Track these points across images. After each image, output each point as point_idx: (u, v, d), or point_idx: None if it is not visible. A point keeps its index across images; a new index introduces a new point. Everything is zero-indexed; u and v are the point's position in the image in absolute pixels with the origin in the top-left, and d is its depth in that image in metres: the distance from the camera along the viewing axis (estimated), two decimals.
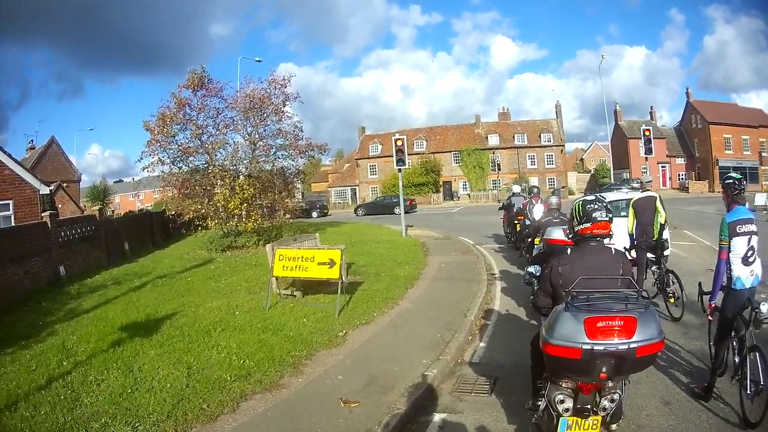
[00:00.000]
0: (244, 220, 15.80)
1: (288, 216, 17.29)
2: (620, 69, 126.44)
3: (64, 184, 35.22)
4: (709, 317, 4.75)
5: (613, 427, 3.65)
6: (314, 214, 38.05)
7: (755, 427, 4.08)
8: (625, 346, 3.06)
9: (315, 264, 7.95)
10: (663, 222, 7.70)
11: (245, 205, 15.50)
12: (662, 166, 57.33)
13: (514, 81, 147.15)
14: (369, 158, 60.16)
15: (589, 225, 3.70)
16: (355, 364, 5.87)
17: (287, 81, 16.70)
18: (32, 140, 41.27)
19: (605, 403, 3.33)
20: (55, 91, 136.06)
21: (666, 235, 7.90)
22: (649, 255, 7.72)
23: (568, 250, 3.89)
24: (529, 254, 10.08)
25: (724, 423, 4.22)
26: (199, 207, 15.52)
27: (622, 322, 3.10)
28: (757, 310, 4.20)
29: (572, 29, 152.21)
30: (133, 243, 17.11)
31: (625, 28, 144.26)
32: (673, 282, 7.31)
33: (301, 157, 17.57)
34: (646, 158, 20.13)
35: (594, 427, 3.34)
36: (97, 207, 22.11)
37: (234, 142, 16.91)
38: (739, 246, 4.38)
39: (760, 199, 25.90)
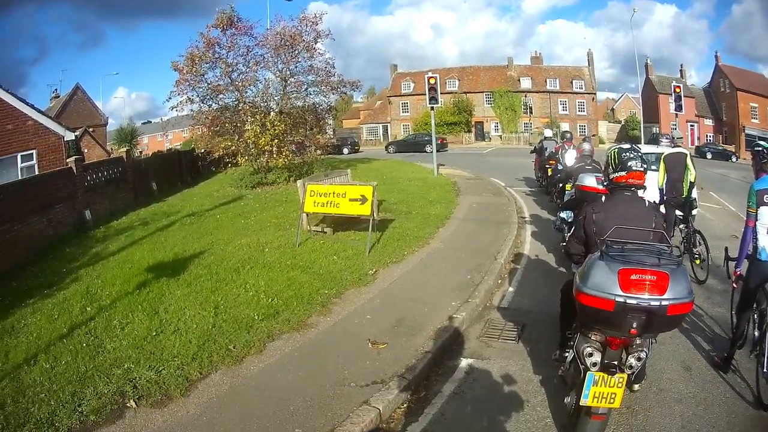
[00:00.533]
0: (274, 156, 15.63)
1: (319, 152, 17.10)
2: (650, 24, 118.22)
3: (91, 129, 35.14)
4: (734, 284, 4.62)
5: (636, 387, 3.74)
6: (345, 151, 37.48)
7: (767, 410, 3.84)
8: (657, 303, 2.97)
9: (346, 200, 7.85)
10: (692, 180, 7.47)
11: (276, 141, 15.28)
12: (691, 125, 55.61)
13: (545, 26, 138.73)
14: (401, 96, 58.95)
15: (624, 173, 3.67)
16: (383, 303, 5.76)
17: (319, 18, 16.40)
18: (56, 89, 40.74)
19: (632, 360, 3.22)
20: (75, 42, 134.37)
21: (695, 193, 7.65)
22: (678, 212, 7.50)
23: (603, 198, 3.85)
24: (561, 199, 9.78)
25: (738, 399, 4.04)
26: (229, 144, 15.41)
27: (655, 277, 3.00)
28: None
29: None
30: (161, 183, 17.04)
31: None
32: (699, 243, 7.04)
33: (333, 94, 17.30)
34: (677, 115, 20.10)
35: (619, 384, 3.23)
36: (124, 149, 21.90)
37: (265, 79, 16.70)
38: (765, 215, 4.14)
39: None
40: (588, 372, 3.24)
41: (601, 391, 3.24)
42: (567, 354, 3.71)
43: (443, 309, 5.54)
